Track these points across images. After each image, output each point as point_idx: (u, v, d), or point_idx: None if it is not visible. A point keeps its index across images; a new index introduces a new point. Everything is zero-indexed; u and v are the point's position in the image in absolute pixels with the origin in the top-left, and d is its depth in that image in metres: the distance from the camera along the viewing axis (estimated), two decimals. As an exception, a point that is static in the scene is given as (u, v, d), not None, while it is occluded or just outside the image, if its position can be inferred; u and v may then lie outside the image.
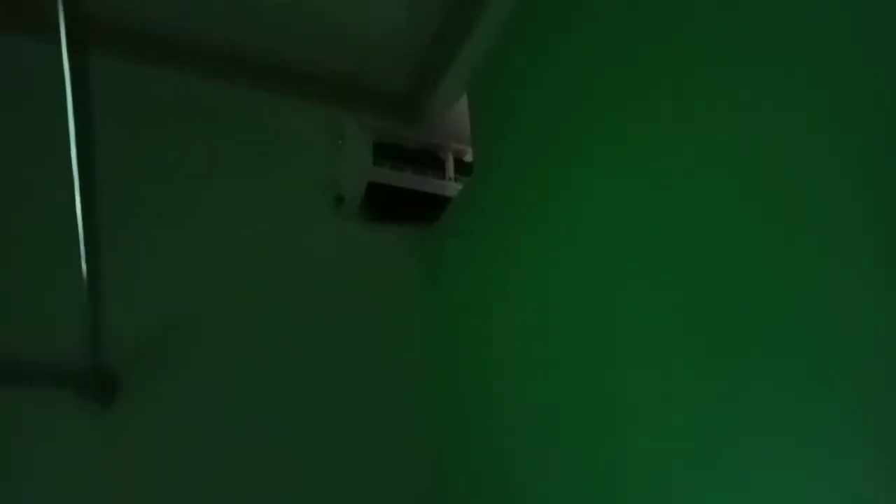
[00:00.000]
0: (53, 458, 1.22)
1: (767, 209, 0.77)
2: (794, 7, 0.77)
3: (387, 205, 1.69)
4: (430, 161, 1.71)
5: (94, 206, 0.92)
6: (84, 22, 0.64)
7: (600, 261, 1.08)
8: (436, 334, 1.66)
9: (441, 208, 1.71)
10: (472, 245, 1.55)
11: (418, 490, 1.50)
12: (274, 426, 1.41)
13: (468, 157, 1.76)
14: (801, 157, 0.74)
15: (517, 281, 1.32)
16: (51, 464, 1.22)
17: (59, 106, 0.78)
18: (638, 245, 0.99)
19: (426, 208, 1.71)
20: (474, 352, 1.47)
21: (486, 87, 1.58)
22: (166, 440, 1.32)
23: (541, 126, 1.31)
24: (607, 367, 1.03)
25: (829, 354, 0.67)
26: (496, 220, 1.44)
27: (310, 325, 1.56)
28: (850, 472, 0.64)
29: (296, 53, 1.73)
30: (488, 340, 1.41)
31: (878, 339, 0.62)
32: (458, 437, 1.49)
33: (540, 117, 1.32)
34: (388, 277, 1.73)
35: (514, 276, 1.34)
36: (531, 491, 1.19)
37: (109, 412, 1.29)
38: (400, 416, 1.57)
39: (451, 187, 1.69)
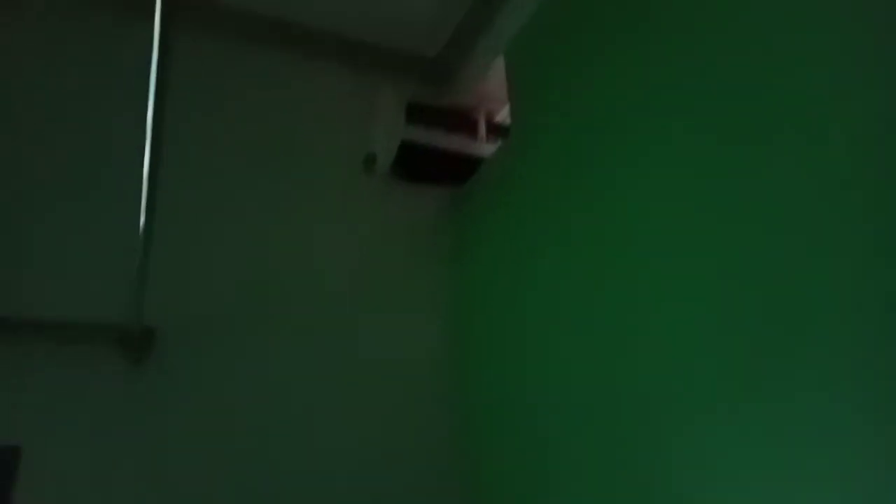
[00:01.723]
0: (89, 405, 1.26)
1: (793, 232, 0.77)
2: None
3: (418, 164, 1.68)
4: (462, 121, 1.70)
5: (159, 171, 0.93)
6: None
7: (642, 231, 1.06)
8: (463, 301, 1.66)
9: (473, 169, 1.71)
10: (506, 210, 1.53)
11: (439, 469, 1.51)
12: (299, 399, 1.43)
13: (500, 118, 1.76)
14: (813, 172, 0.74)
15: (552, 249, 1.30)
16: (86, 411, 1.25)
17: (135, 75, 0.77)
18: (678, 214, 0.98)
19: (458, 169, 1.71)
20: (503, 323, 1.45)
21: (525, 51, 1.55)
22: (197, 400, 1.34)
23: (581, 91, 1.28)
24: (646, 349, 1.01)
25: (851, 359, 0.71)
26: (531, 185, 1.42)
27: (338, 294, 1.57)
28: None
29: (329, 17, 1.69)
30: (519, 309, 1.39)
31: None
32: (483, 414, 1.47)
33: (580, 82, 1.29)
34: (417, 242, 1.73)
35: (549, 243, 1.32)
36: (559, 479, 1.18)
37: (144, 368, 1.32)
38: (423, 393, 1.57)
39: (484, 148, 1.69)
